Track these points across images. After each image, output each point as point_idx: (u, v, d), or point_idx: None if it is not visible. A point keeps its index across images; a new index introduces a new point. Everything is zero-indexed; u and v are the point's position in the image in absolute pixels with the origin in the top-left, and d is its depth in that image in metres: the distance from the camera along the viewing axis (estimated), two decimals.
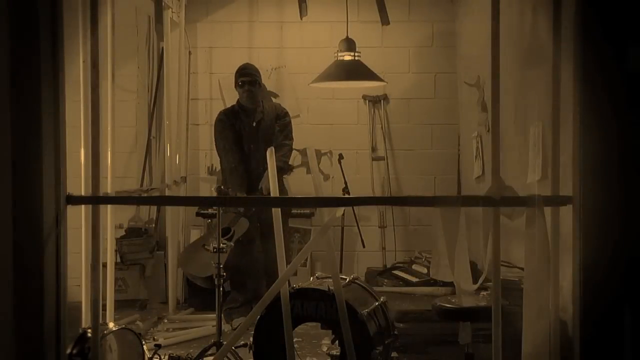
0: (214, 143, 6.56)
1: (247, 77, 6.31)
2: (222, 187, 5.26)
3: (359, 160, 7.57)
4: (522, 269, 3.81)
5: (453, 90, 7.43)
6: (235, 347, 4.60)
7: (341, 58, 6.21)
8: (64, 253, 3.33)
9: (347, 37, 6.25)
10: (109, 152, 5.27)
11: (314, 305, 4.30)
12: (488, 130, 6.15)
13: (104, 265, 4.90)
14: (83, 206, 4.05)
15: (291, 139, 6.45)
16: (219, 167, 7.47)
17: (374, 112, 7.61)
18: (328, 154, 7.57)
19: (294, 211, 6.88)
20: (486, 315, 3.49)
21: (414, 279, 6.32)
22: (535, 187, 4.35)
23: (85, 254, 4.53)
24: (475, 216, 3.83)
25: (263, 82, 7.00)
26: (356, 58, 6.20)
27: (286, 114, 6.52)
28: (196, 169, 7.60)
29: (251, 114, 6.37)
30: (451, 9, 7.48)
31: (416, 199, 5.56)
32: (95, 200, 3.50)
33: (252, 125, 6.34)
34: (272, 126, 6.41)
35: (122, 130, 6.50)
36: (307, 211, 6.96)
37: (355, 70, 6.22)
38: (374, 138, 7.60)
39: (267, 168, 6.20)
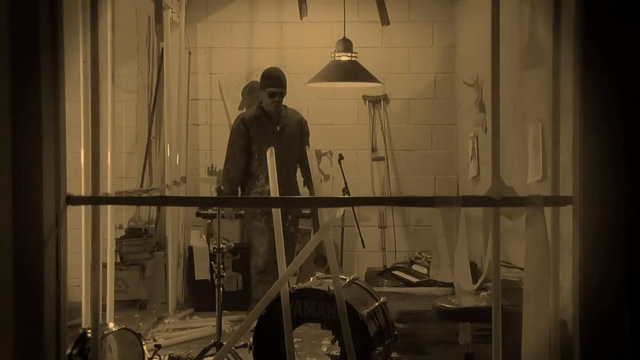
0: (213, 143, 6.58)
1: (279, 88, 6.29)
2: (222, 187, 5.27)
3: (359, 161, 7.57)
4: (522, 269, 3.81)
5: (453, 91, 7.43)
6: (235, 347, 4.60)
7: (338, 58, 6.21)
8: (64, 253, 3.33)
9: (344, 37, 6.25)
10: (109, 153, 5.26)
11: (314, 305, 4.30)
12: (485, 131, 6.15)
13: (104, 266, 4.89)
14: (83, 206, 4.05)
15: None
16: (219, 168, 7.48)
17: (374, 112, 7.61)
18: (328, 154, 7.57)
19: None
20: (486, 315, 3.49)
21: (414, 280, 6.32)
22: (535, 187, 4.35)
23: (85, 254, 4.53)
24: (475, 216, 3.83)
25: None
26: (353, 58, 6.20)
27: (306, 122, 6.59)
28: (196, 169, 7.60)
29: (275, 119, 6.38)
30: (451, 9, 7.48)
31: (416, 199, 5.56)
32: (95, 200, 3.50)
33: (276, 130, 6.36)
34: (295, 131, 6.45)
35: (122, 130, 6.51)
36: (307, 211, 6.95)
37: (352, 71, 6.21)
38: (374, 138, 7.60)
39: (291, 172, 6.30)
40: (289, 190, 6.25)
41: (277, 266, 6.23)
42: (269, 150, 4.35)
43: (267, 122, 6.37)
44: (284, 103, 6.48)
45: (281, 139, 6.33)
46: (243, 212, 6.51)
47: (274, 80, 6.31)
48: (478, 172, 6.38)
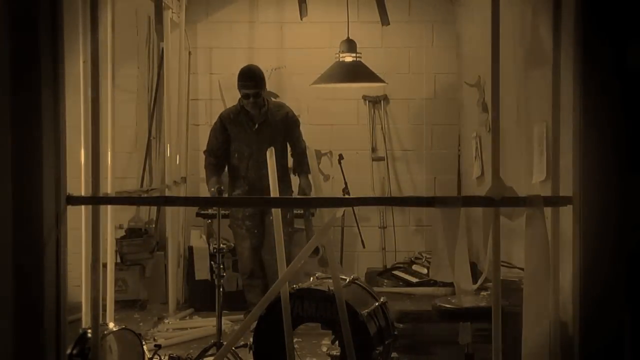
0: None
1: (251, 89, 6.09)
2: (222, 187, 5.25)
3: (359, 161, 7.56)
4: (522, 269, 3.81)
5: (453, 91, 7.43)
6: (236, 347, 4.60)
7: (342, 59, 6.20)
8: (64, 253, 3.34)
9: (348, 38, 6.25)
10: (109, 152, 5.26)
11: (314, 305, 4.30)
12: (488, 131, 6.14)
13: (104, 266, 4.89)
14: (83, 206, 4.05)
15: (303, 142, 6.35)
16: None
17: (374, 112, 7.61)
18: (328, 155, 7.56)
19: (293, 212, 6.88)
20: (486, 315, 3.49)
21: (414, 280, 6.32)
22: (539, 188, 4.35)
23: (85, 254, 4.53)
24: (476, 216, 3.83)
25: None
26: (357, 59, 6.19)
27: (296, 117, 6.41)
28: (196, 169, 7.59)
29: (253, 117, 6.22)
30: (451, 9, 7.48)
31: (416, 199, 5.56)
32: (95, 200, 3.50)
33: (254, 128, 6.22)
34: (279, 127, 6.26)
35: (122, 130, 6.50)
36: (300, 212, 6.94)
37: (356, 72, 6.22)
38: (374, 138, 7.60)
39: (297, 161, 6.15)
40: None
41: (263, 271, 6.21)
42: (269, 150, 4.33)
43: (245, 120, 6.23)
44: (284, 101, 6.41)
45: (259, 137, 6.17)
46: (228, 212, 6.38)
47: (245, 82, 6.12)
48: (482, 172, 6.38)
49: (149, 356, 4.50)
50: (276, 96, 7.37)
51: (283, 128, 6.31)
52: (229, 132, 6.29)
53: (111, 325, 4.17)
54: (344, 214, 4.78)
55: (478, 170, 6.45)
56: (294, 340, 4.28)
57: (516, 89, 4.95)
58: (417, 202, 5.89)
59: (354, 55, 6.19)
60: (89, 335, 3.68)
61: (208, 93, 7.60)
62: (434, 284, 5.89)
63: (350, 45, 6.20)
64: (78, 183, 4.33)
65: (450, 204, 3.45)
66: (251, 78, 6.14)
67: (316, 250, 6.14)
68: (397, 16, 7.18)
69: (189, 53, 7.48)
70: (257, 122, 6.24)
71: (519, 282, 4.10)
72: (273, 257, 5.82)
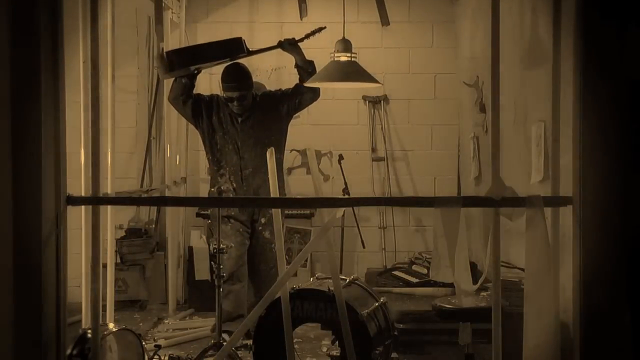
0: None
1: (234, 92, 5.60)
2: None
3: (359, 161, 7.56)
4: (522, 269, 3.81)
5: (453, 91, 7.43)
6: (236, 348, 4.60)
7: (337, 58, 6.19)
8: (64, 253, 3.34)
9: (344, 37, 6.24)
10: (109, 153, 5.26)
11: (314, 305, 4.30)
12: (486, 131, 6.15)
13: (104, 266, 4.90)
14: (83, 207, 4.05)
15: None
16: None
17: (374, 112, 7.61)
18: (328, 155, 7.56)
19: (293, 212, 6.88)
20: (486, 315, 3.49)
21: (414, 280, 6.32)
22: (538, 188, 4.35)
23: (85, 254, 4.53)
24: (476, 217, 3.83)
25: (263, 83, 6.96)
26: (352, 59, 6.18)
27: (279, 92, 5.91)
28: (196, 169, 7.60)
29: (238, 113, 5.73)
30: (451, 9, 7.48)
31: (416, 200, 5.56)
32: (95, 200, 3.50)
33: (238, 122, 5.73)
34: (267, 119, 5.75)
35: (122, 131, 6.50)
36: (307, 212, 6.95)
37: (351, 71, 6.19)
38: (374, 139, 7.60)
39: (259, 168, 5.68)
40: (261, 189, 5.69)
41: (244, 276, 5.97)
42: (269, 150, 4.33)
43: (228, 112, 5.74)
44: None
45: (244, 133, 5.72)
46: (209, 211, 6.07)
47: (228, 83, 5.62)
48: (479, 172, 6.38)
49: (149, 356, 4.49)
50: None
51: (273, 119, 5.80)
52: (204, 113, 5.76)
53: (111, 325, 4.16)
54: (344, 214, 4.78)
55: (475, 170, 6.45)
56: (294, 340, 4.28)
57: (514, 89, 4.95)
58: (417, 202, 5.89)
59: (349, 55, 6.17)
60: (89, 335, 3.68)
61: (208, 93, 7.58)
62: (434, 284, 5.89)
63: (345, 44, 6.18)
64: (78, 183, 4.34)
65: (450, 204, 3.45)
66: (233, 80, 5.62)
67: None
68: (397, 16, 7.19)
69: None
70: (241, 117, 5.74)
71: (519, 282, 4.10)
72: (269, 266, 5.78)
